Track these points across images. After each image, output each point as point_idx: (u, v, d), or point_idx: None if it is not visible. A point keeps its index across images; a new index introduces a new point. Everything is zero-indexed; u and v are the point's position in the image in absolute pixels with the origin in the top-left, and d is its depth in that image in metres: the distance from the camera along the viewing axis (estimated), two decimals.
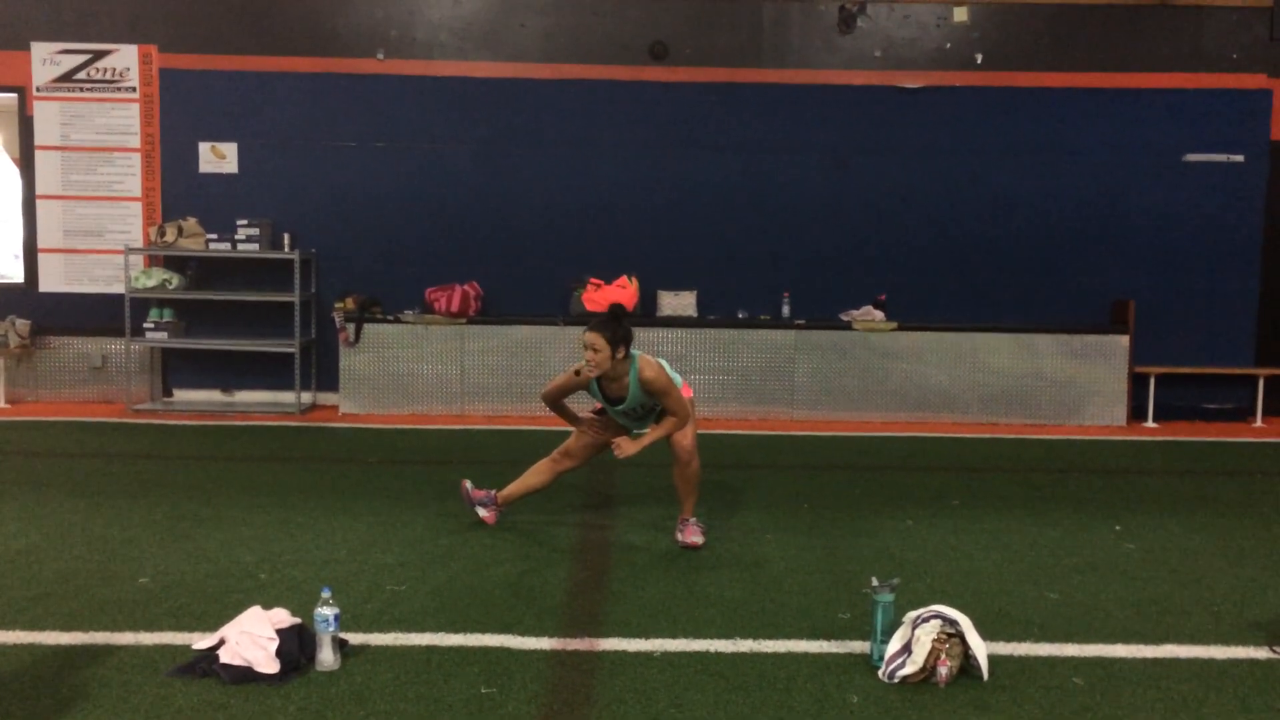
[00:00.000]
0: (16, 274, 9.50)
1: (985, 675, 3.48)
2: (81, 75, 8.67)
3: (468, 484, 5.30)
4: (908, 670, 3.43)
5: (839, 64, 8.80)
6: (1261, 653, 3.78)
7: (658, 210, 8.82)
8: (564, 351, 8.30)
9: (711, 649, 3.72)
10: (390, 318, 8.47)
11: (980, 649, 3.50)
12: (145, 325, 8.50)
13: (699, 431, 5.14)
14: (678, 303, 8.66)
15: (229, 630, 3.56)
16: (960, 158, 8.80)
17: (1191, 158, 8.78)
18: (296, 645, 3.49)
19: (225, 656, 3.44)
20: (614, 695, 3.34)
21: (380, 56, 8.72)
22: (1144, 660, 3.70)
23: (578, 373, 4.86)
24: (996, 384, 8.50)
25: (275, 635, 3.48)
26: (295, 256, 8.39)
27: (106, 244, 8.78)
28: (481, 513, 5.24)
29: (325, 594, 3.51)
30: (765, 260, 8.83)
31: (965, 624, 3.51)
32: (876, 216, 8.84)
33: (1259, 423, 8.71)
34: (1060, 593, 4.39)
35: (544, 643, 3.75)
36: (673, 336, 8.44)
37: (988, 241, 8.85)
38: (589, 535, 5.15)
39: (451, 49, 8.75)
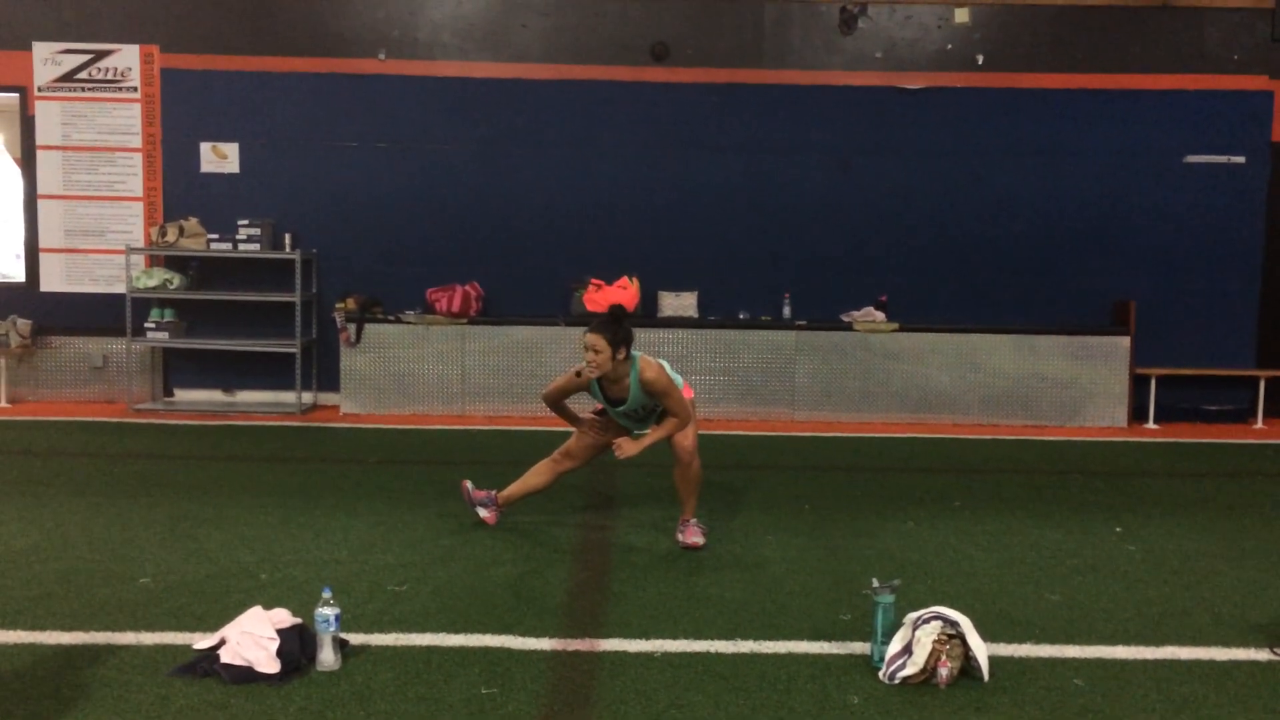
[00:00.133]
0: (18, 273, 9.52)
1: (986, 676, 3.48)
2: (83, 75, 8.68)
3: (468, 484, 5.30)
4: (908, 671, 3.43)
5: (840, 65, 8.80)
6: (1262, 654, 3.78)
7: (659, 211, 8.82)
8: (565, 352, 8.30)
9: (712, 650, 3.72)
10: (391, 318, 8.48)
11: (981, 650, 3.50)
12: (146, 325, 8.51)
13: (700, 432, 5.14)
14: (679, 303, 8.66)
15: (230, 630, 3.56)
16: (961, 159, 8.80)
17: (1192, 159, 8.78)
18: (297, 645, 3.49)
19: (226, 656, 3.44)
20: (615, 696, 3.34)
21: (382, 57, 8.72)
22: (1145, 662, 3.70)
23: (579, 374, 4.86)
24: (997, 385, 8.50)
25: (276, 635, 3.48)
26: (296, 256, 8.40)
27: (108, 244, 8.78)
28: (482, 513, 5.24)
29: (326, 594, 3.51)
30: (766, 261, 8.83)
31: (966, 625, 3.51)
32: (877, 217, 8.84)
33: (1260, 424, 8.70)
34: (1061, 594, 4.39)
35: (545, 643, 3.75)
36: (673, 337, 8.44)
37: (989, 242, 8.84)
38: (590, 536, 5.15)
39: (453, 49, 8.76)
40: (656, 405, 4.90)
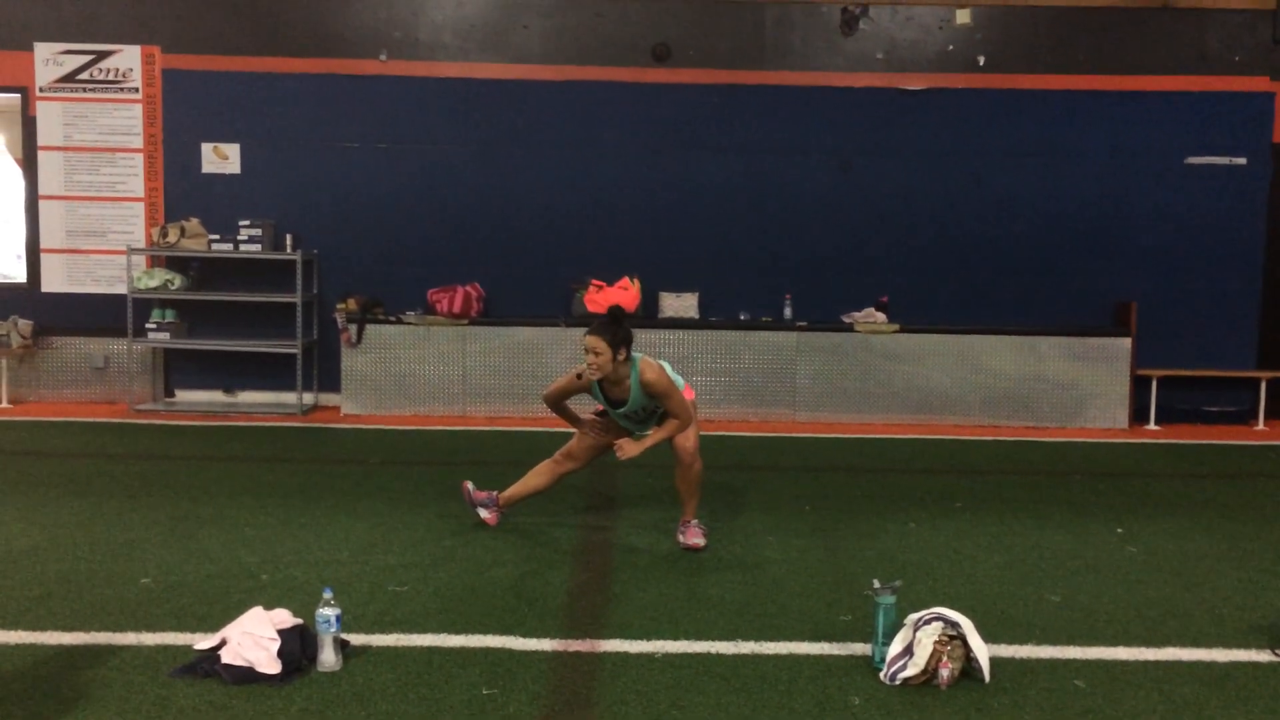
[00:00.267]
0: (19, 274, 9.52)
1: (987, 678, 3.48)
2: (84, 76, 8.68)
3: (469, 485, 5.31)
4: (909, 672, 3.43)
5: (841, 66, 8.80)
6: (1264, 655, 3.78)
7: (660, 212, 8.82)
8: (566, 353, 8.30)
9: (713, 651, 3.72)
10: (392, 319, 8.48)
11: (982, 651, 3.50)
12: (147, 326, 8.51)
13: (701, 433, 5.14)
14: (679, 304, 8.66)
15: (231, 631, 3.56)
16: (962, 160, 8.80)
17: (1194, 160, 8.77)
18: (298, 646, 3.49)
19: (227, 657, 3.44)
20: (615, 697, 3.34)
21: (383, 58, 8.73)
22: (1146, 663, 3.70)
23: (580, 376, 4.86)
24: (998, 386, 8.49)
25: (277, 636, 3.48)
26: (297, 257, 8.40)
27: (109, 244, 8.79)
28: (483, 514, 5.24)
29: (327, 594, 3.51)
30: (767, 262, 8.83)
31: (967, 626, 3.51)
32: (879, 218, 8.84)
33: (1261, 425, 8.70)
34: (1062, 595, 4.39)
35: (545, 644, 3.75)
36: (674, 338, 8.44)
37: (990, 243, 8.84)
38: (591, 537, 5.15)
39: (454, 50, 8.76)
40: (657, 407, 4.90)
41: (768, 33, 8.76)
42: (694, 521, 5.02)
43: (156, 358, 8.85)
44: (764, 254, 8.83)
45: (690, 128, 8.79)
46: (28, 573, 4.41)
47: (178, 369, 8.93)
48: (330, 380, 8.75)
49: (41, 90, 8.69)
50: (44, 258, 8.82)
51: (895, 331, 8.47)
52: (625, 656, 3.65)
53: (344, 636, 3.59)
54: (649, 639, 3.81)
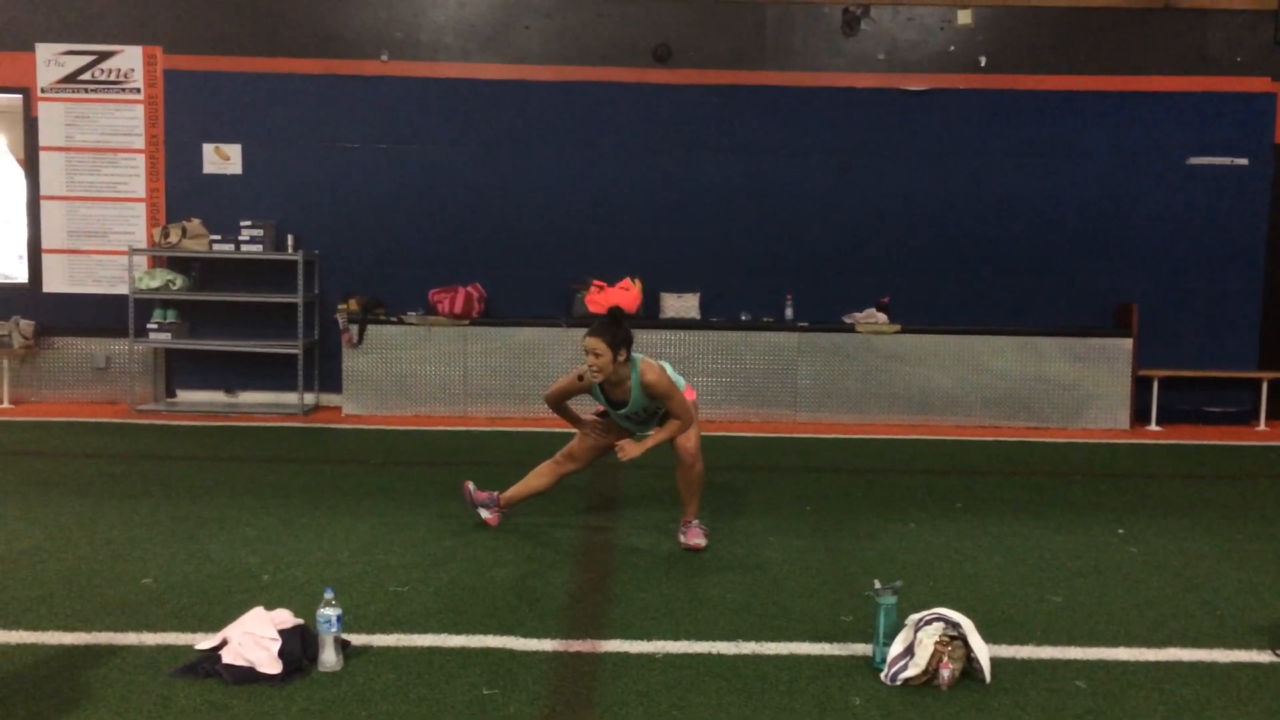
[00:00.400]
0: (21, 274, 9.53)
1: (988, 678, 3.48)
2: (86, 76, 8.69)
3: (470, 486, 5.31)
4: (910, 673, 3.43)
5: (842, 66, 8.80)
6: (1265, 656, 3.78)
7: (660, 212, 8.82)
8: (567, 353, 8.30)
9: (714, 651, 3.72)
10: (393, 319, 8.48)
11: (983, 652, 3.50)
12: (149, 326, 8.51)
13: (702, 434, 5.14)
14: (680, 305, 8.67)
15: (232, 631, 3.56)
16: (964, 160, 8.80)
17: (1195, 161, 8.77)
18: (299, 646, 3.49)
19: (228, 657, 3.44)
20: (616, 697, 3.34)
21: (384, 58, 8.73)
22: (1147, 664, 3.69)
23: (580, 377, 4.86)
24: (999, 387, 8.49)
25: (278, 636, 3.48)
26: (299, 258, 8.40)
27: (110, 245, 8.79)
28: (484, 514, 5.24)
29: (328, 595, 3.51)
30: (768, 262, 8.83)
31: (968, 627, 3.51)
32: (880, 219, 8.84)
33: (1262, 426, 8.70)
34: (1063, 596, 4.38)
35: (546, 644, 3.75)
36: (675, 339, 8.44)
37: (991, 244, 8.84)
38: (592, 537, 5.16)
39: (455, 51, 8.76)
40: (658, 407, 4.90)
41: (769, 33, 8.76)
42: (695, 522, 5.02)
43: (158, 358, 8.85)
44: (765, 254, 8.83)
45: (691, 128, 8.79)
46: (29, 573, 4.41)
47: (179, 369, 8.94)
48: (331, 381, 8.75)
49: (43, 91, 8.70)
50: (46, 258, 8.83)
51: (896, 332, 8.47)
52: (626, 657, 3.65)
53: (345, 637, 3.59)
54: (650, 639, 3.81)
